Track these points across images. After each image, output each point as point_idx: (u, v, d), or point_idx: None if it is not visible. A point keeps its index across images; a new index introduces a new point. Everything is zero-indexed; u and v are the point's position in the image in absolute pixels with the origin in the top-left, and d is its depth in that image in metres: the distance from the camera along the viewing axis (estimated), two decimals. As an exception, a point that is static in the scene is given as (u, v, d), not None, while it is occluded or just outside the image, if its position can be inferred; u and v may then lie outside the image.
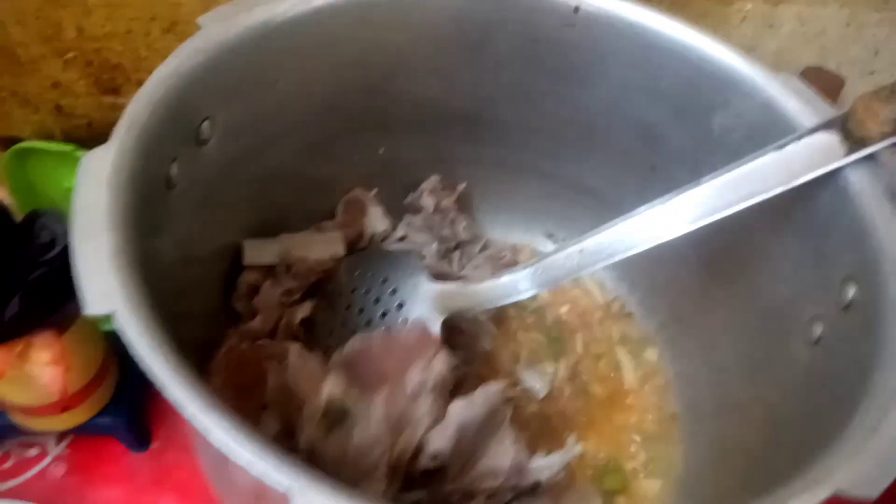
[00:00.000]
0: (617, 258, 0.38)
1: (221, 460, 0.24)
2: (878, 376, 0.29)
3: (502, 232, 0.55)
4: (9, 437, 0.48)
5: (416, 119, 0.47)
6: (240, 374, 0.40)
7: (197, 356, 0.42)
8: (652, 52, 0.41)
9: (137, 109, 0.32)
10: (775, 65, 0.39)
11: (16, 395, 0.44)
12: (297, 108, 0.42)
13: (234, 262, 0.46)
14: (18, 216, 0.41)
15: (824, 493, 0.24)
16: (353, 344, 0.40)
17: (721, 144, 0.41)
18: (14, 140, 0.49)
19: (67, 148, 0.46)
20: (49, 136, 0.50)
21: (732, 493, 0.38)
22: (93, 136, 0.48)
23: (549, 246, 0.55)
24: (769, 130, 0.38)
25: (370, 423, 0.36)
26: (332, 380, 0.36)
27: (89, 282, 0.27)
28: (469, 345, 0.47)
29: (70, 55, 0.46)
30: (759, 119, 0.39)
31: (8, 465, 0.48)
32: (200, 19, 0.35)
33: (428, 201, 0.51)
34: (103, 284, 0.27)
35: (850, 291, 0.33)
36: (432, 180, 0.52)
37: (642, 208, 0.38)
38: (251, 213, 0.45)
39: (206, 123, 0.36)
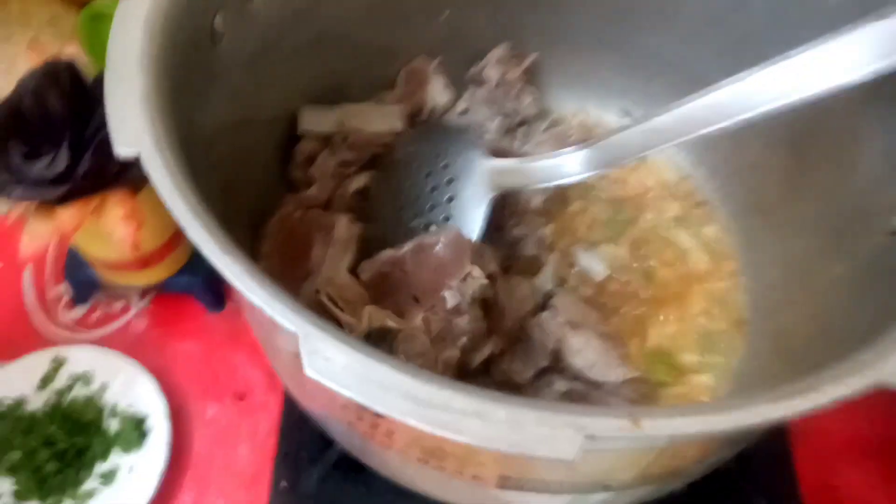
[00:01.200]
0: (689, 137, 0.35)
1: (247, 305, 0.25)
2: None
3: (573, 108, 0.53)
4: (96, 290, 0.53)
5: None
6: (289, 240, 0.42)
7: (254, 222, 0.44)
8: None
9: None
10: None
11: (94, 249, 0.48)
12: None
13: (293, 131, 0.46)
14: (93, 74, 0.42)
15: (866, 381, 0.23)
16: (384, 258, 0.39)
17: (817, 9, 0.37)
18: (89, 1, 0.50)
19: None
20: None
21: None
22: None
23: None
24: None
25: (415, 341, 0.37)
26: (371, 308, 0.36)
27: (118, 123, 0.27)
28: (522, 223, 0.47)
29: None
30: None
31: (95, 316, 0.53)
32: None
33: (492, 73, 0.49)
34: (132, 126, 0.27)
35: None
36: (499, 50, 0.49)
37: (723, 83, 0.34)
38: (307, 80, 0.45)
39: None
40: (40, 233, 0.43)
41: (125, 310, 0.53)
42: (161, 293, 0.53)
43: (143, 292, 0.53)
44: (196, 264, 0.51)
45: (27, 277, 0.54)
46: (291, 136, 0.46)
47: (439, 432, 0.21)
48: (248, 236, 0.42)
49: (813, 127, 0.39)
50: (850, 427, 0.47)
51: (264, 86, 0.40)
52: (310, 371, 0.22)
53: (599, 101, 0.52)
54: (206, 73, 0.34)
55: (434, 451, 0.28)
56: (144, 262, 0.48)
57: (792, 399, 0.23)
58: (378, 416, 0.24)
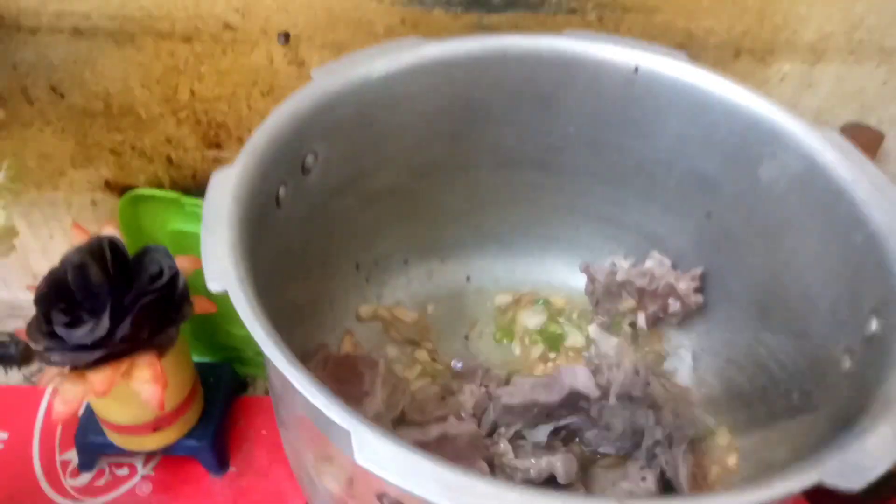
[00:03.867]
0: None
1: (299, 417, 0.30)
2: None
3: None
4: (104, 455, 0.55)
5: (495, 163, 0.54)
6: (337, 370, 0.48)
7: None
8: (705, 108, 0.47)
9: (257, 140, 0.41)
10: (816, 122, 0.43)
11: (115, 413, 0.50)
12: (389, 147, 0.50)
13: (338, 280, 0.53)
14: (131, 251, 0.48)
15: (809, 480, 0.29)
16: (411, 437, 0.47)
17: (768, 193, 0.46)
18: (129, 188, 0.58)
19: (174, 195, 0.54)
20: (159, 185, 0.58)
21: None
22: (197, 185, 0.58)
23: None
24: (811, 181, 0.43)
25: None
26: None
27: (210, 265, 0.35)
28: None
29: (183, 114, 0.55)
30: (801, 170, 0.44)
31: (101, 482, 0.54)
32: (313, 72, 0.44)
33: None
34: (221, 268, 0.35)
35: (874, 324, 0.37)
36: None
37: None
38: (348, 240, 0.53)
39: (310, 156, 0.45)
40: (72, 396, 0.45)
41: (130, 475, 0.55)
42: (166, 457, 0.55)
43: (149, 457, 0.55)
44: (203, 427, 0.54)
45: (36, 445, 0.56)
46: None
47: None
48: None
49: (775, 290, 0.47)
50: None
51: (305, 245, 0.48)
52: (360, 459, 0.28)
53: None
54: (269, 231, 0.42)
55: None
56: (158, 425, 0.51)
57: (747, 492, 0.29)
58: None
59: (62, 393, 0.46)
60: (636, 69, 0.47)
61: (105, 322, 0.45)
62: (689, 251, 0.53)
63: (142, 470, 0.55)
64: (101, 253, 0.46)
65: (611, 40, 0.48)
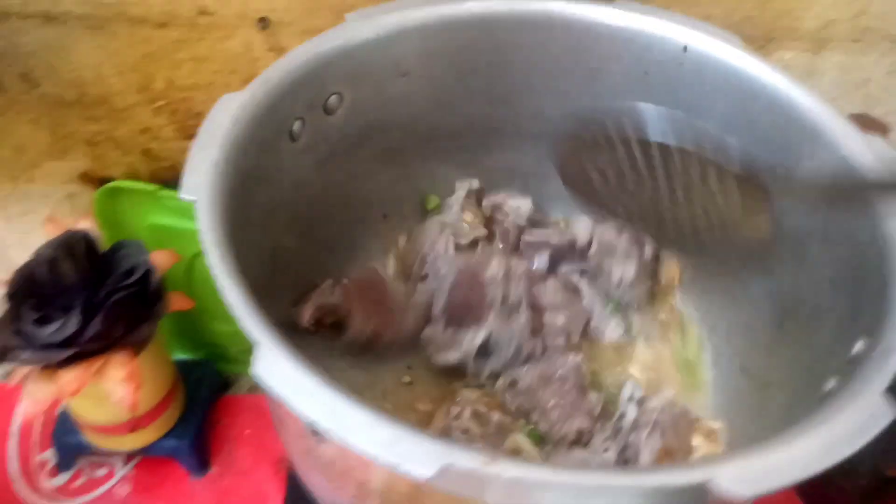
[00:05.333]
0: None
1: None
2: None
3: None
4: (82, 455, 0.54)
5: (535, 133, 0.52)
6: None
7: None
8: (751, 95, 0.45)
9: (272, 73, 0.41)
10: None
11: (90, 412, 0.49)
12: (423, 101, 0.49)
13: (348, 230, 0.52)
14: (105, 248, 0.47)
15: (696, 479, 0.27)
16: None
17: (803, 195, 0.43)
18: (106, 180, 0.56)
19: (152, 188, 0.52)
20: (136, 177, 0.58)
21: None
22: (175, 178, 0.55)
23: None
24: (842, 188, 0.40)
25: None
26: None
27: (188, 177, 0.35)
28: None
29: (159, 103, 0.54)
30: (835, 174, 0.41)
31: (79, 483, 0.54)
32: (347, 15, 0.44)
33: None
34: (196, 181, 0.35)
35: (859, 345, 0.35)
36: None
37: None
38: (371, 186, 0.52)
39: (334, 97, 0.45)
40: (41, 396, 0.44)
41: (108, 476, 0.54)
42: (145, 457, 0.54)
43: (128, 457, 0.54)
44: (183, 428, 0.53)
45: (12, 444, 0.56)
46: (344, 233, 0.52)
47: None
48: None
49: (794, 304, 0.45)
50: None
51: (325, 186, 0.48)
52: (255, 369, 0.29)
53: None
54: (277, 162, 0.42)
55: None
56: (136, 425, 0.50)
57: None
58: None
59: (31, 392, 0.45)
60: (685, 48, 0.45)
61: (75, 320, 0.44)
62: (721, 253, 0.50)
63: (120, 470, 0.54)
64: (74, 248, 0.45)
65: (663, 15, 0.46)
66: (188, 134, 0.55)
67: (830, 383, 0.36)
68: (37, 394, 0.45)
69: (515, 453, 0.45)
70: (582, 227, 0.53)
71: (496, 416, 0.46)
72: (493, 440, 0.45)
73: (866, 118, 0.54)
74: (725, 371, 0.51)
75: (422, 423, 0.48)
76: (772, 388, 0.45)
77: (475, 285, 0.50)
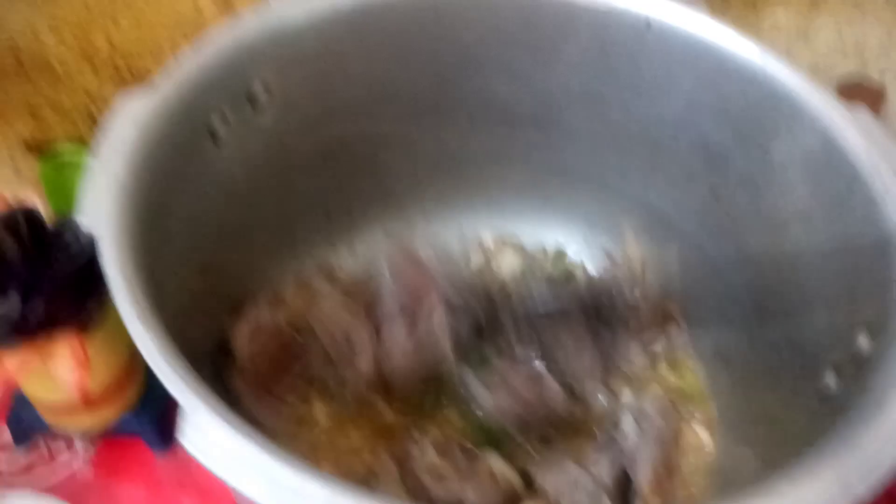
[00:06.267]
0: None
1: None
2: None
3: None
4: (40, 433, 0.52)
5: (484, 115, 0.50)
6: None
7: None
8: (722, 71, 0.42)
9: (184, 66, 0.37)
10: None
11: (41, 393, 0.48)
12: (363, 88, 0.46)
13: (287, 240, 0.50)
14: (53, 218, 0.45)
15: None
16: None
17: (780, 175, 0.42)
18: (51, 146, 0.54)
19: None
20: (82, 144, 0.55)
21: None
22: None
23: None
24: (826, 165, 0.38)
25: None
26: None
27: (88, 204, 0.32)
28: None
29: (102, 67, 0.51)
30: (817, 152, 0.39)
31: (37, 460, 0.52)
32: None
33: None
34: (98, 208, 0.32)
35: (863, 342, 0.34)
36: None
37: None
38: (312, 191, 0.49)
39: (260, 89, 0.41)
40: None
41: (70, 455, 0.53)
42: (107, 436, 0.53)
43: (89, 435, 0.53)
44: (145, 405, 0.51)
45: (-35, 421, 0.54)
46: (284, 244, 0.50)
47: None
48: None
49: (775, 284, 0.44)
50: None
51: (258, 188, 0.44)
52: (183, 440, 0.26)
53: (584, 237, 0.56)
54: (199, 167, 0.39)
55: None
56: (91, 405, 0.49)
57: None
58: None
59: (-28, 376, 0.44)
60: (648, 23, 0.43)
61: (14, 301, 0.42)
62: (693, 232, 0.49)
63: (81, 449, 0.53)
64: (16, 225, 0.43)
65: None
66: (135, 98, 0.52)
67: (831, 379, 0.35)
68: (-22, 377, 0.43)
69: (492, 477, 0.43)
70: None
71: (458, 446, 0.45)
72: (465, 472, 0.43)
73: (860, 87, 0.52)
74: (699, 356, 0.50)
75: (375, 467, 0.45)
76: (756, 373, 0.45)
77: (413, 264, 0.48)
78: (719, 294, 0.48)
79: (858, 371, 0.33)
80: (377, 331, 0.48)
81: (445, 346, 0.47)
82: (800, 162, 0.40)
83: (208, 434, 0.26)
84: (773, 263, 0.43)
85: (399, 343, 0.47)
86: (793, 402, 0.39)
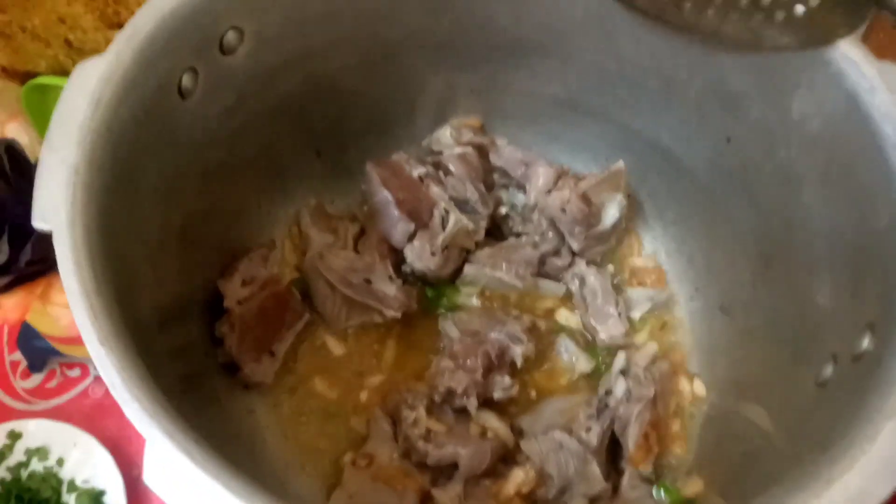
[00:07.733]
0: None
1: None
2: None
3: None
4: (53, 357, 0.54)
5: (483, 44, 0.46)
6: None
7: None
8: None
9: (140, 20, 0.33)
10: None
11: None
12: (347, 19, 0.42)
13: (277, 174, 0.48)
14: (39, 148, 0.44)
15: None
16: None
17: (798, 129, 0.39)
18: (31, 75, 0.52)
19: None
20: (62, 71, 0.52)
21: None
22: None
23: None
24: (847, 128, 0.35)
25: None
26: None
27: (40, 196, 0.29)
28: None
29: None
30: (840, 112, 0.36)
31: (52, 384, 0.54)
32: None
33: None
34: (50, 201, 0.28)
35: (866, 340, 0.33)
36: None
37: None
38: (289, 129, 0.47)
39: (231, 33, 0.38)
40: None
41: (83, 377, 0.54)
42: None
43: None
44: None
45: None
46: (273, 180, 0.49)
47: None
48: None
49: (785, 247, 0.42)
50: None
51: (240, 133, 0.42)
52: (146, 475, 0.26)
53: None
54: (168, 125, 0.36)
55: None
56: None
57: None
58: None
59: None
60: None
61: (3, 246, 0.43)
62: (703, 176, 0.47)
63: (94, 371, 0.55)
64: (-3, 160, 0.43)
65: None
66: (111, 22, 0.49)
67: (828, 370, 0.35)
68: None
69: (485, 433, 0.44)
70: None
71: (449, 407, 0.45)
72: (459, 429, 0.44)
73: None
74: (702, 308, 0.49)
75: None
76: (756, 334, 0.44)
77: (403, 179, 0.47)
78: (726, 237, 0.47)
79: (856, 369, 0.33)
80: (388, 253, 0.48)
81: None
82: (819, 121, 0.37)
83: (171, 468, 0.25)
84: (782, 219, 0.41)
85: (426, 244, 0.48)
86: (791, 374, 0.39)
